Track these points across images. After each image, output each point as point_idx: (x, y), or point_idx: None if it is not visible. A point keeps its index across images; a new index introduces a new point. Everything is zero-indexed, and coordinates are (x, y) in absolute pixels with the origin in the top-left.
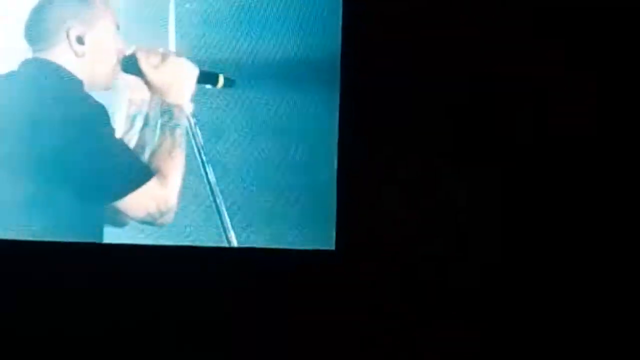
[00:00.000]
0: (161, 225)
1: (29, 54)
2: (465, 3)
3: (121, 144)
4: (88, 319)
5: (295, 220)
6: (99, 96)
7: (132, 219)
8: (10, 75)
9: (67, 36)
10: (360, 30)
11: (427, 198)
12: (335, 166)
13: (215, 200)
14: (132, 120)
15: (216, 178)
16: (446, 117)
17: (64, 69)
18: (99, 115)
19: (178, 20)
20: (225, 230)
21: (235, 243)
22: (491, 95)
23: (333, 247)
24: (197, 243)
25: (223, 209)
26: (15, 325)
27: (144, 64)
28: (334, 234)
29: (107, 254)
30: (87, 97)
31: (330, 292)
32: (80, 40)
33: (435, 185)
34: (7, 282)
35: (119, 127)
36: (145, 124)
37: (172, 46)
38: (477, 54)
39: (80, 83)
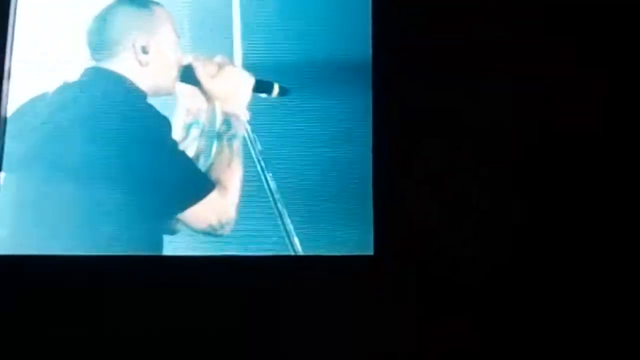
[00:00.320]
0: (221, 236)
1: (90, 62)
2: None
3: (184, 156)
4: (155, 332)
5: (337, 224)
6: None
7: (193, 230)
8: (75, 84)
9: (133, 46)
10: (389, 34)
11: (462, 199)
12: (371, 171)
13: (276, 206)
14: (188, 128)
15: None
16: (480, 118)
17: (129, 80)
18: (163, 128)
19: (242, 27)
20: (288, 234)
21: (299, 246)
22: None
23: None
24: (261, 249)
25: (285, 213)
26: (84, 335)
27: (201, 74)
28: (372, 238)
29: (171, 265)
30: (151, 110)
31: (371, 297)
32: (144, 50)
33: (466, 186)
34: (74, 297)
35: (175, 136)
36: (202, 132)
37: (236, 54)
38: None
39: (144, 95)
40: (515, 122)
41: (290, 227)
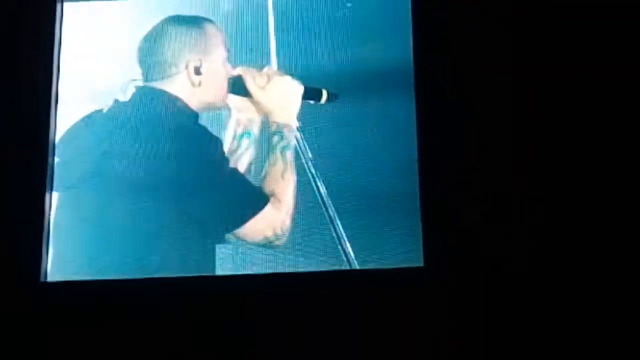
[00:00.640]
0: (277, 247)
1: (143, 82)
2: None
3: (236, 174)
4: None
5: (386, 233)
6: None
7: (249, 243)
8: (128, 104)
9: (186, 67)
10: (430, 39)
11: (510, 209)
12: (418, 182)
13: (327, 213)
14: (239, 140)
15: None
16: (526, 125)
17: (182, 101)
18: (214, 148)
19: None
20: (340, 241)
21: (351, 252)
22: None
23: (422, 264)
24: (313, 256)
25: (337, 221)
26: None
27: (251, 85)
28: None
29: (221, 285)
30: (203, 130)
31: (420, 308)
32: (197, 71)
33: (518, 197)
34: (128, 319)
35: (226, 147)
36: (254, 143)
37: (273, 64)
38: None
39: (196, 115)
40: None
41: (342, 232)
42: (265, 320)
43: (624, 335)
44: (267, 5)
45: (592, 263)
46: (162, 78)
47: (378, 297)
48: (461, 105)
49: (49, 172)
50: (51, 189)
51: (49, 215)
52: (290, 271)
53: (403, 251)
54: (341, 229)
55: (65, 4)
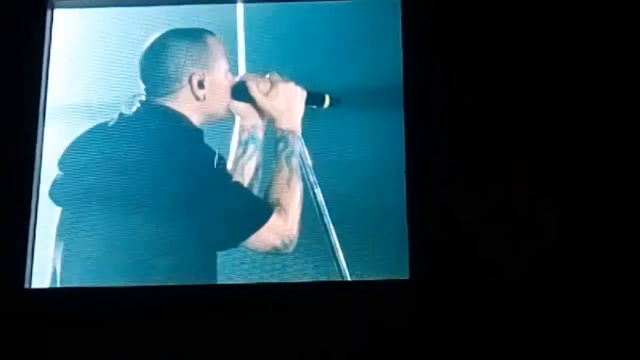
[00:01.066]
0: (286, 254)
1: (143, 97)
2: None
3: (239, 187)
4: None
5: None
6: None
7: (256, 252)
8: (131, 120)
9: (189, 82)
10: (420, 56)
11: (500, 221)
12: (405, 193)
13: (323, 221)
14: (245, 145)
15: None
16: (513, 138)
17: (185, 117)
18: (220, 164)
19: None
20: (333, 249)
21: (344, 262)
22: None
23: (407, 276)
24: (307, 264)
25: (332, 230)
26: None
27: (255, 91)
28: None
29: (225, 294)
30: (205, 146)
31: (407, 321)
32: (201, 85)
33: (506, 213)
34: (135, 329)
35: (232, 153)
36: (259, 148)
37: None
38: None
39: (200, 131)
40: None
41: (336, 242)
42: (253, 331)
43: (624, 340)
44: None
45: (584, 268)
46: (166, 94)
47: (364, 308)
48: (448, 119)
49: (35, 179)
50: (37, 196)
51: (34, 222)
52: (283, 279)
53: (391, 263)
54: (335, 238)
55: (56, 10)
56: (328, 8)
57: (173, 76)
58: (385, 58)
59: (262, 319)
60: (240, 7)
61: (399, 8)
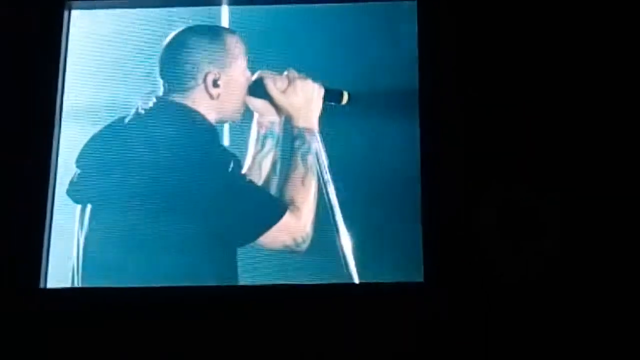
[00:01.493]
0: (299, 253)
1: (159, 94)
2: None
3: (253, 185)
4: None
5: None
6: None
7: (268, 250)
8: (148, 118)
9: (204, 80)
10: (435, 59)
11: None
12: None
13: (335, 220)
14: (263, 141)
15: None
16: (526, 142)
17: (201, 115)
18: (234, 163)
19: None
20: (343, 250)
21: (352, 263)
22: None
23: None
24: (318, 263)
25: (343, 230)
26: None
27: (272, 89)
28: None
29: (243, 295)
30: (220, 145)
31: (421, 324)
32: (215, 84)
33: (522, 214)
34: (151, 329)
35: (251, 151)
36: (277, 144)
37: None
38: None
39: (215, 129)
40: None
41: (347, 242)
42: (262, 332)
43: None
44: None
45: (598, 274)
46: (182, 91)
47: (376, 311)
48: (463, 122)
49: (51, 179)
50: (53, 196)
51: (50, 221)
52: (292, 279)
53: (404, 266)
54: (347, 238)
55: (73, 11)
56: (345, 10)
57: (190, 73)
58: (401, 60)
59: (271, 320)
60: (259, 8)
61: (415, 10)
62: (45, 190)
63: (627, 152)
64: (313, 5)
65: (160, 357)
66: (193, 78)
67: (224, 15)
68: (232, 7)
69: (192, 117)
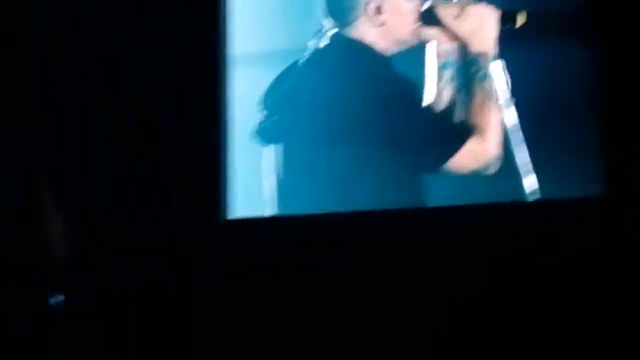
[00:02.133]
0: (489, 175)
1: (331, 29)
2: None
3: (433, 113)
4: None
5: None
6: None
7: (456, 174)
8: (321, 55)
9: (366, 10)
10: None
11: None
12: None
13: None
14: (441, 71)
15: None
16: None
17: (371, 47)
18: (409, 88)
19: None
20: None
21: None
22: None
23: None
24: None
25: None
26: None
27: (445, 16)
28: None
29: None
30: (395, 72)
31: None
32: (379, 11)
33: None
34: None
35: (430, 80)
36: (453, 73)
37: None
38: None
39: (387, 59)
40: None
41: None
42: (452, 251)
43: None
44: None
45: None
46: (348, 23)
47: (555, 229)
48: None
49: (223, 115)
50: (225, 137)
51: (227, 158)
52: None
53: (583, 180)
54: (527, 158)
55: None
56: None
57: (350, 4)
58: None
59: (459, 241)
60: None
61: None
62: (220, 127)
63: None
64: None
65: (354, 281)
66: (355, 9)
67: None
68: None
69: (362, 49)
